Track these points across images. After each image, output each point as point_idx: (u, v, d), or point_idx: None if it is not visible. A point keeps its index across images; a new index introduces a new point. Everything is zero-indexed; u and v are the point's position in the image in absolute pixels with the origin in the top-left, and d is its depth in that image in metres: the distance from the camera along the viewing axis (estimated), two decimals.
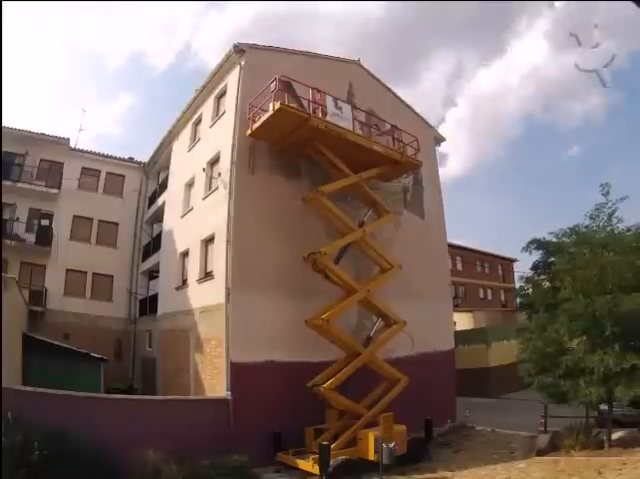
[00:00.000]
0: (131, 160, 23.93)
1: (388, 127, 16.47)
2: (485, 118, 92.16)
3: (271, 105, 12.81)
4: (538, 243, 13.72)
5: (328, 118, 13.58)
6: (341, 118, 14.00)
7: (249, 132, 13.72)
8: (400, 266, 14.85)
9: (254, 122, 13.54)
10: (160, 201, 21.43)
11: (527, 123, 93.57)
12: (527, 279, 14.48)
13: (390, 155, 15.21)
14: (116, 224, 22.64)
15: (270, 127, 13.24)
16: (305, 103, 13.86)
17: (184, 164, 18.93)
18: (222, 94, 16.44)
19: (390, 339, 14.38)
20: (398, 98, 20.04)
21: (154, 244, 21.33)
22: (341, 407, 12.74)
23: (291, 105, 13.13)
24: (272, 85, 13.06)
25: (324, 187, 13.41)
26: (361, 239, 14.17)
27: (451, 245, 25.24)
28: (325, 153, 13.88)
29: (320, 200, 13.21)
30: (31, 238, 19.87)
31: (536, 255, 13.92)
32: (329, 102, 13.99)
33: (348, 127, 14.09)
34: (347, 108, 14.62)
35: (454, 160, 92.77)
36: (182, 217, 17.93)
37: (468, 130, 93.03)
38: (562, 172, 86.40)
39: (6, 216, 19.47)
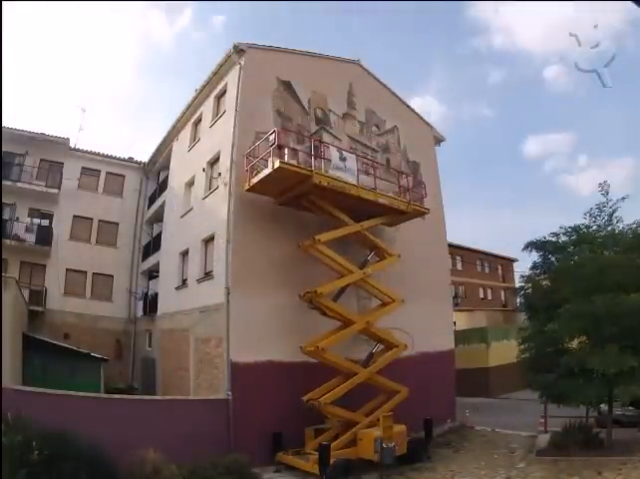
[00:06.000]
0: (131, 160, 23.90)
1: (389, 127, 16.36)
2: None
3: (270, 162, 12.26)
4: (537, 245, 13.73)
5: (331, 172, 12.93)
6: (345, 170, 13.27)
7: (247, 187, 13.06)
8: (402, 301, 14.19)
9: (252, 176, 12.92)
10: (159, 201, 21.41)
11: None
12: (527, 279, 14.47)
13: (395, 206, 14.66)
14: (116, 224, 22.60)
15: (269, 183, 12.71)
16: (305, 104, 13.75)
17: (184, 163, 18.92)
18: (222, 94, 16.43)
19: (390, 360, 13.82)
20: (398, 98, 20.05)
21: (154, 244, 21.31)
22: (339, 419, 12.56)
23: (291, 162, 12.58)
24: (271, 137, 12.43)
25: (321, 235, 12.70)
26: (361, 280, 13.71)
27: (451, 245, 25.21)
28: (325, 207, 13.33)
29: (317, 248, 12.66)
30: (31, 238, 19.85)
31: (536, 256, 13.95)
32: (333, 153, 13.40)
33: (352, 180, 13.33)
34: (352, 159, 13.87)
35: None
36: (182, 216, 17.91)
37: None
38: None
39: (6, 216, 19.47)
